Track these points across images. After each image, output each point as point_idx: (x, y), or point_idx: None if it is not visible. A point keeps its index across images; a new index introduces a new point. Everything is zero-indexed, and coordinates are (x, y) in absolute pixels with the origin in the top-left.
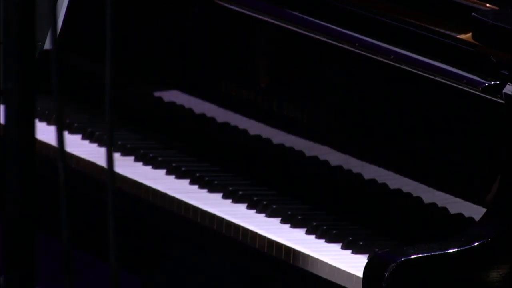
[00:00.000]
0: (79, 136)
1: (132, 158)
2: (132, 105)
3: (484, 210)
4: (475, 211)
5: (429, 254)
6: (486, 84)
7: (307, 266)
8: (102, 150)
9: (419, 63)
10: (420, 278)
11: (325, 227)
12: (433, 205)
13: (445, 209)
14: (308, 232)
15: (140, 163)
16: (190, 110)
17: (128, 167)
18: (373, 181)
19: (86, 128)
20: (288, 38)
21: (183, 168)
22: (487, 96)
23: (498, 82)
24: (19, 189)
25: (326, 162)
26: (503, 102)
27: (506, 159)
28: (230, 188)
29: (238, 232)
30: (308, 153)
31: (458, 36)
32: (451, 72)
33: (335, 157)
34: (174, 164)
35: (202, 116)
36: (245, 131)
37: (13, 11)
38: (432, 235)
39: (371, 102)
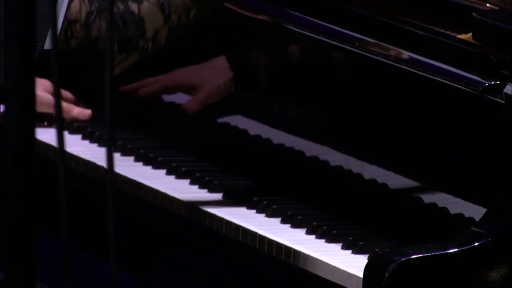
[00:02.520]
0: (79, 136)
1: (132, 158)
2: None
3: (484, 210)
4: (475, 211)
5: (429, 254)
6: (486, 84)
7: (307, 266)
8: (102, 150)
9: (419, 63)
10: (420, 278)
11: (325, 227)
12: (433, 205)
13: (445, 209)
14: (308, 232)
15: (140, 163)
16: None
17: (128, 167)
18: (373, 181)
19: (86, 128)
20: (289, 38)
21: (183, 168)
22: (487, 96)
23: (498, 82)
24: (19, 189)
25: (326, 162)
26: (503, 102)
27: (506, 159)
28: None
29: (238, 232)
30: (308, 153)
31: (458, 36)
32: (451, 72)
33: (335, 157)
34: (174, 164)
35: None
36: (245, 131)
37: (13, 11)
38: (432, 235)
39: (371, 102)
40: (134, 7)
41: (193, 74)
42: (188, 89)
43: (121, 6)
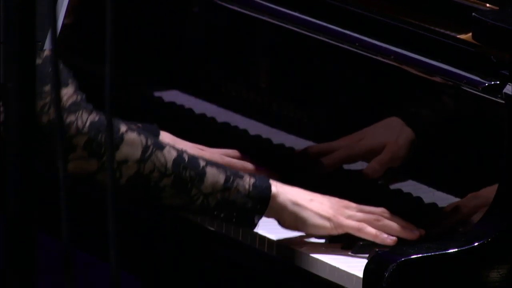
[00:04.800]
0: None
1: None
2: (132, 105)
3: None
4: None
5: (429, 254)
6: (486, 84)
7: (307, 266)
8: None
9: (419, 63)
10: (420, 278)
11: None
12: (433, 205)
13: None
14: None
15: None
16: (190, 110)
17: None
18: (373, 181)
19: None
20: (288, 38)
21: None
22: (487, 96)
23: (498, 82)
24: (19, 189)
25: None
26: (503, 102)
27: (506, 159)
28: None
29: (238, 232)
30: None
31: (458, 36)
32: (451, 72)
33: None
34: None
35: (202, 116)
36: (245, 131)
37: (13, 11)
38: (432, 235)
39: (371, 102)
40: None
41: (374, 137)
42: (371, 155)
43: None
